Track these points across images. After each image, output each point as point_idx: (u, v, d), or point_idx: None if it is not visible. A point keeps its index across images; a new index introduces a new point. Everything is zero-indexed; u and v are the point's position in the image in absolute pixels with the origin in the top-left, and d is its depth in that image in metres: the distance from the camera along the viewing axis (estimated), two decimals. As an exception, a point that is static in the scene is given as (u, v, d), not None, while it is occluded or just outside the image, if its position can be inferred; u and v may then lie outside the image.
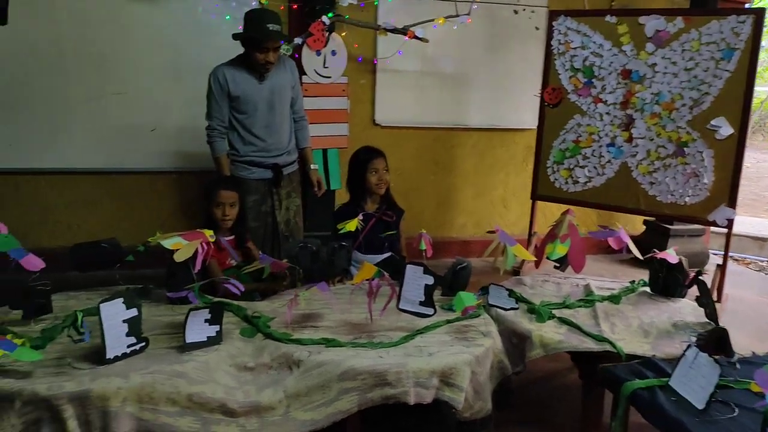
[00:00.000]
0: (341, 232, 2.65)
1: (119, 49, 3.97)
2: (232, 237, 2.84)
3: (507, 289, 2.49)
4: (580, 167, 4.31)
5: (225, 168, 3.12)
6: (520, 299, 2.57)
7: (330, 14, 3.78)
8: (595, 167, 4.26)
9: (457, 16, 3.87)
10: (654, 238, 4.93)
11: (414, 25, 3.85)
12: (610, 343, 2.27)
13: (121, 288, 2.41)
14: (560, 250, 2.76)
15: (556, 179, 4.41)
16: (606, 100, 4.16)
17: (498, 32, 4.62)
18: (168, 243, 2.21)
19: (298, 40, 3.77)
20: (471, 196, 4.96)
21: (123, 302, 1.88)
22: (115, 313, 1.87)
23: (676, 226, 4.85)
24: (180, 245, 2.22)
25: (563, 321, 2.44)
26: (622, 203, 4.23)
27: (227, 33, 3.08)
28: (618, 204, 4.25)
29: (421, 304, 2.29)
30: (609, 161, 4.21)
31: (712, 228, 4.59)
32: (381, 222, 2.93)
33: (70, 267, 2.31)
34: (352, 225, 2.64)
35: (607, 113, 4.18)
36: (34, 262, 2.08)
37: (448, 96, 4.67)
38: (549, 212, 5.01)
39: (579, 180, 4.32)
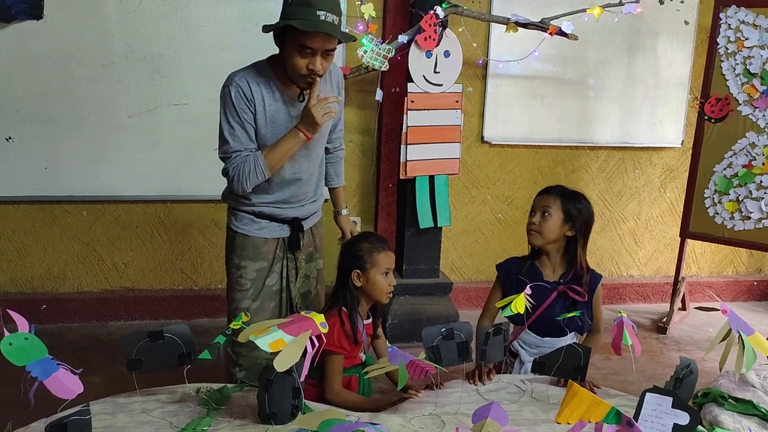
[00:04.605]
0: (503, 313, 1.85)
1: (179, 50, 3.26)
2: (369, 321, 2.00)
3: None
4: (754, 199, 3.38)
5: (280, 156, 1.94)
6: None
7: (444, 4, 2.95)
8: (775, 200, 3.35)
9: (621, 4, 2.96)
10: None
11: (556, 17, 2.97)
12: None
13: (188, 390, 1.70)
14: (821, 340, 1.89)
15: (717, 213, 3.49)
16: (795, 114, 3.26)
17: (635, 28, 3.74)
18: (264, 341, 1.46)
19: (403, 38, 2.95)
20: (595, 229, 4.02)
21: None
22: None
23: None
24: (282, 344, 1.46)
25: None
26: (811, 247, 3.31)
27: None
28: (806, 248, 3.34)
29: (667, 453, 1.45)
30: (796, 193, 3.30)
31: None
32: (564, 295, 2.09)
33: (124, 364, 1.60)
34: (519, 305, 1.84)
35: (796, 131, 3.27)
36: (67, 385, 1.34)
37: (571, 106, 3.80)
38: (691, 251, 4.12)
39: (751, 216, 3.40)
